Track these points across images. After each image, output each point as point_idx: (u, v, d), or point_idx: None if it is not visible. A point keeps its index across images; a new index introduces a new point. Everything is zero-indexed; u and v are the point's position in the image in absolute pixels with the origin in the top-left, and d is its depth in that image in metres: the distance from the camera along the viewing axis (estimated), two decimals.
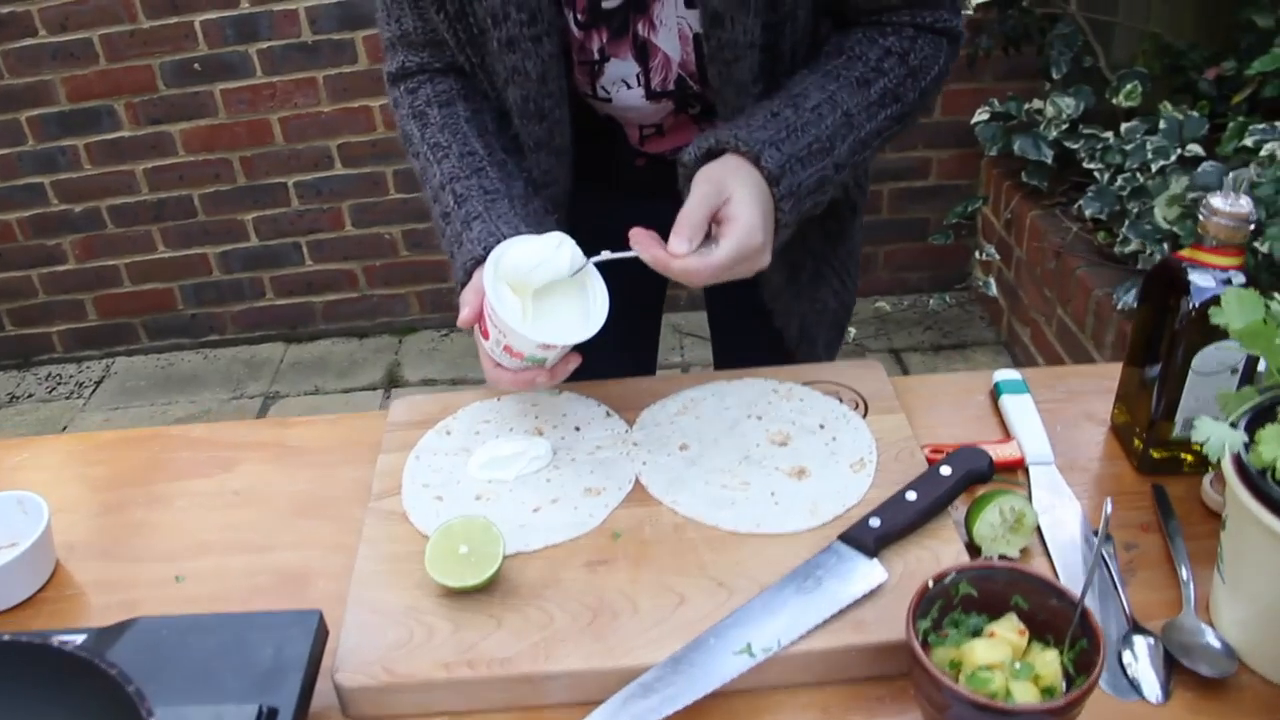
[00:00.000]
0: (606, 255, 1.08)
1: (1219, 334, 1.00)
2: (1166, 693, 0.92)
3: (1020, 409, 1.23)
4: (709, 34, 1.11)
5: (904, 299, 3.63)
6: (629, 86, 1.22)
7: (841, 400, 1.21)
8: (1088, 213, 2.75)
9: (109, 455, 1.32)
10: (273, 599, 1.07)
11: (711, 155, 1.10)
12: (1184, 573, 1.02)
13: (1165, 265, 1.09)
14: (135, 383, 3.61)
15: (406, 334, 3.68)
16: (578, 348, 1.10)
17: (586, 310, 1.10)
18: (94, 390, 3.58)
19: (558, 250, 1.07)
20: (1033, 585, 0.87)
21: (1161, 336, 1.09)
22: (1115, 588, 1.02)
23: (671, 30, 1.16)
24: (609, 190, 1.37)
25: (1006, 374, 1.29)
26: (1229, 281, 1.02)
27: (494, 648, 0.93)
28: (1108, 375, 1.31)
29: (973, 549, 1.04)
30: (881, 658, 0.92)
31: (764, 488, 1.08)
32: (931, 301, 3.61)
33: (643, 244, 1.03)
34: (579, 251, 1.08)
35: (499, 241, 1.10)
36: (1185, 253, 1.07)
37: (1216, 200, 1.01)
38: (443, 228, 1.22)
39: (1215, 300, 0.95)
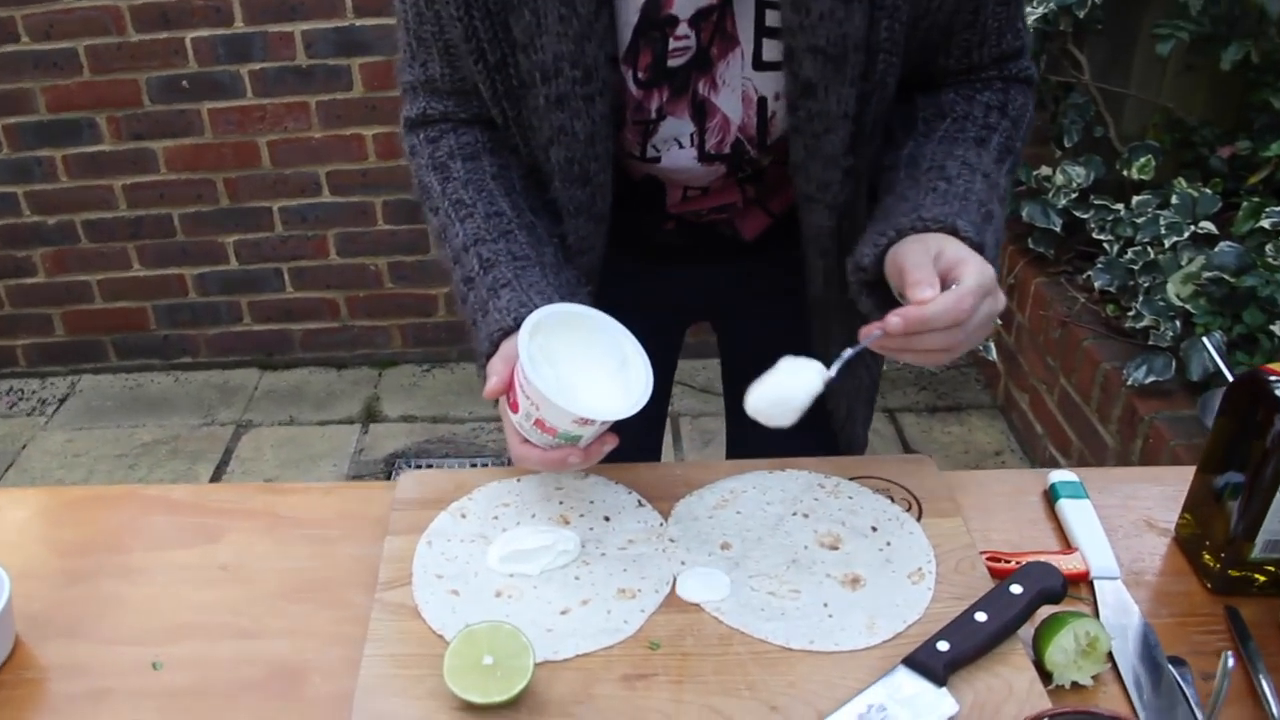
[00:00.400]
0: (846, 354, 1.00)
1: None
2: None
3: (1081, 516, 1.15)
4: (797, 104, 1.03)
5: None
6: (680, 146, 1.13)
7: (893, 500, 1.11)
8: (1097, 284, 2.71)
9: (79, 516, 1.20)
10: (262, 696, 0.95)
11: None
12: (1274, 709, 0.93)
13: (1253, 379, 1.01)
14: (101, 403, 3.46)
15: (387, 367, 3.57)
16: (615, 427, 1.01)
17: (627, 385, 1.01)
18: (57, 408, 3.43)
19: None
20: None
21: (1243, 450, 1.02)
22: None
23: (735, 91, 1.08)
24: (636, 257, 1.28)
25: (1062, 475, 1.20)
26: None
27: None
28: (1166, 480, 1.24)
29: (1041, 675, 0.94)
30: None
31: (815, 598, 0.99)
32: None
33: (884, 323, 0.95)
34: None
35: (530, 311, 1.01)
36: (1276, 365, 0.99)
37: None
38: (464, 292, 1.12)
39: None
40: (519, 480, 1.14)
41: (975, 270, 0.95)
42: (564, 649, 0.93)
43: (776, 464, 1.17)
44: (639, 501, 1.11)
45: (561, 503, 1.11)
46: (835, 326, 1.27)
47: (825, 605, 0.98)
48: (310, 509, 1.18)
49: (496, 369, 1.02)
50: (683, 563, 1.03)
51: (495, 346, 1.04)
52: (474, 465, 3.03)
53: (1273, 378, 1.00)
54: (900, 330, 0.94)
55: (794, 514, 1.09)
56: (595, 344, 1.03)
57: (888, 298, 1.04)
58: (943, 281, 0.96)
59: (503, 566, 1.01)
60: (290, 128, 3.22)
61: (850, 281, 1.08)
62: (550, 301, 1.04)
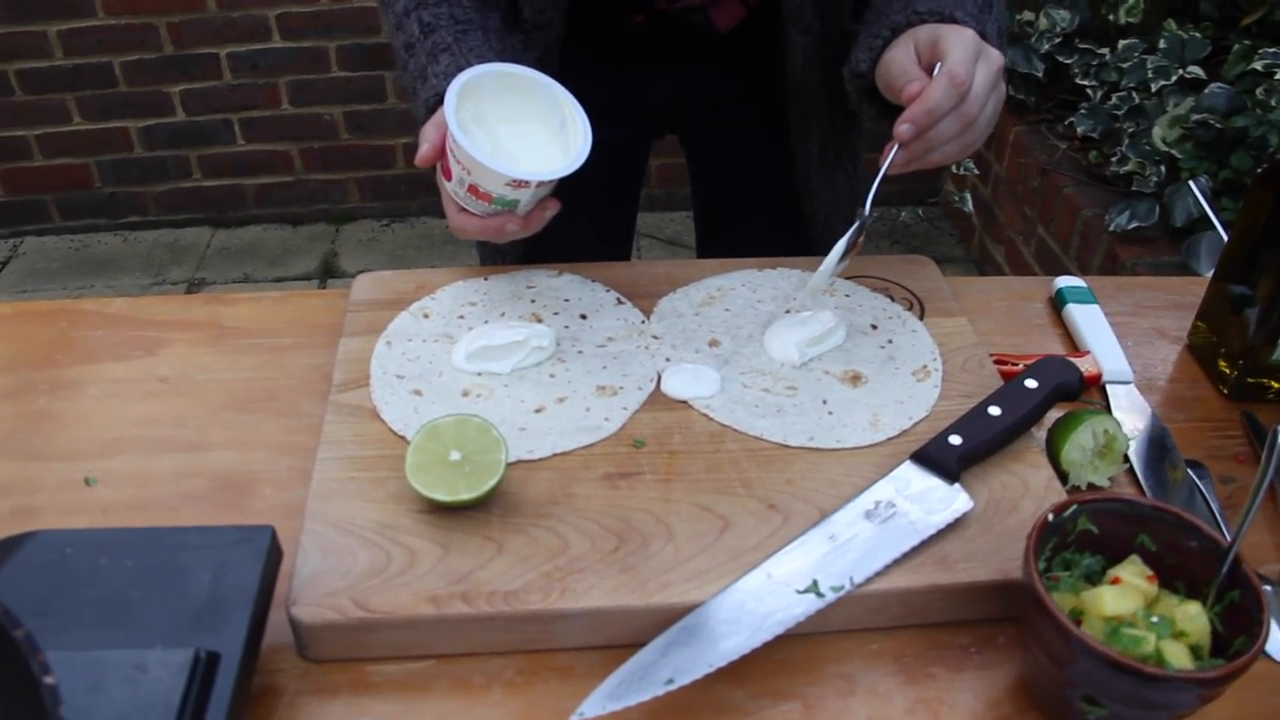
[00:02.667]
0: (873, 186, 0.95)
1: None
2: None
3: (1090, 320, 1.07)
4: None
5: (874, 210, 3.46)
6: None
7: (893, 299, 1.03)
8: (1080, 130, 2.65)
9: (8, 332, 1.09)
10: (207, 509, 0.87)
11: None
12: None
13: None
14: (46, 265, 3.31)
15: (344, 222, 3.42)
16: (558, 194, 0.95)
17: (566, 147, 0.94)
18: None
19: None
20: (1169, 523, 0.71)
21: (1266, 251, 0.95)
22: (1219, 527, 0.87)
23: None
24: (602, 59, 1.18)
25: (1070, 281, 1.12)
26: None
27: (494, 578, 0.74)
28: (1178, 289, 1.17)
29: (1056, 475, 0.87)
30: (968, 600, 0.76)
31: (814, 394, 0.91)
32: (903, 214, 3.45)
33: (895, 136, 0.91)
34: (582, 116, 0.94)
35: None
36: None
37: None
38: (405, 59, 1.04)
39: None
40: (486, 279, 1.04)
41: (956, 40, 0.90)
42: (539, 448, 0.85)
43: (766, 263, 1.07)
44: (618, 299, 1.02)
45: (534, 301, 1.01)
46: (813, 120, 1.17)
47: (825, 402, 0.90)
48: (258, 318, 1.08)
49: (429, 135, 0.95)
50: (667, 359, 0.94)
51: (431, 113, 0.97)
52: None
53: None
54: (912, 135, 0.90)
55: (787, 312, 1.00)
56: (532, 105, 0.96)
57: (890, 103, 0.98)
58: (929, 69, 0.92)
59: (470, 365, 0.92)
60: None
61: (849, 91, 1.03)
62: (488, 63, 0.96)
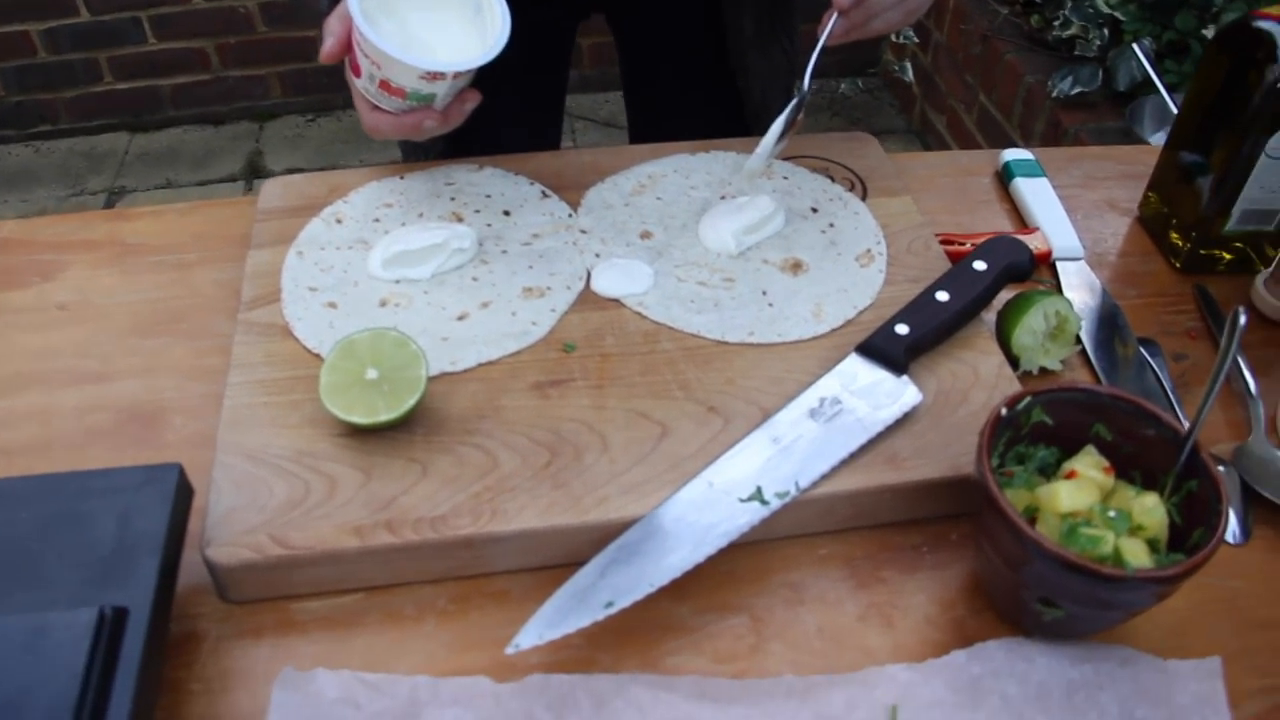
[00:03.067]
0: (812, 58, 0.89)
1: None
2: (1246, 531, 0.75)
3: (1039, 195, 1.03)
4: None
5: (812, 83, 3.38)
6: None
7: (833, 180, 0.98)
8: None
9: None
10: (113, 446, 0.81)
11: None
12: (1251, 386, 0.85)
13: (1241, 28, 0.90)
14: None
15: (268, 120, 3.28)
16: (477, 83, 0.89)
17: (483, 32, 0.87)
18: None
19: None
20: (1126, 412, 0.68)
21: (1221, 117, 0.91)
22: (1172, 406, 0.84)
23: None
24: None
25: (1017, 154, 1.08)
26: None
27: (420, 503, 0.70)
28: (1128, 159, 1.13)
29: (1007, 360, 0.84)
30: (919, 499, 0.73)
31: (753, 285, 0.86)
32: (842, 86, 3.37)
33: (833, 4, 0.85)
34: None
35: None
36: (1272, 9, 0.87)
37: None
38: None
39: None
40: (402, 178, 0.97)
41: None
42: (463, 358, 0.79)
43: (700, 146, 1.01)
44: (543, 192, 0.95)
45: (453, 199, 0.94)
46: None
47: (764, 294, 0.85)
48: (163, 233, 1.01)
49: (332, 29, 0.86)
50: (597, 255, 0.89)
51: (335, 3, 0.88)
52: None
53: (1263, 22, 0.87)
54: (852, 2, 0.83)
55: (722, 197, 0.94)
56: None
57: None
58: None
59: (387, 272, 0.86)
60: None
61: None
62: None
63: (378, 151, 3.06)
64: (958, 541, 0.73)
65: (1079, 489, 0.65)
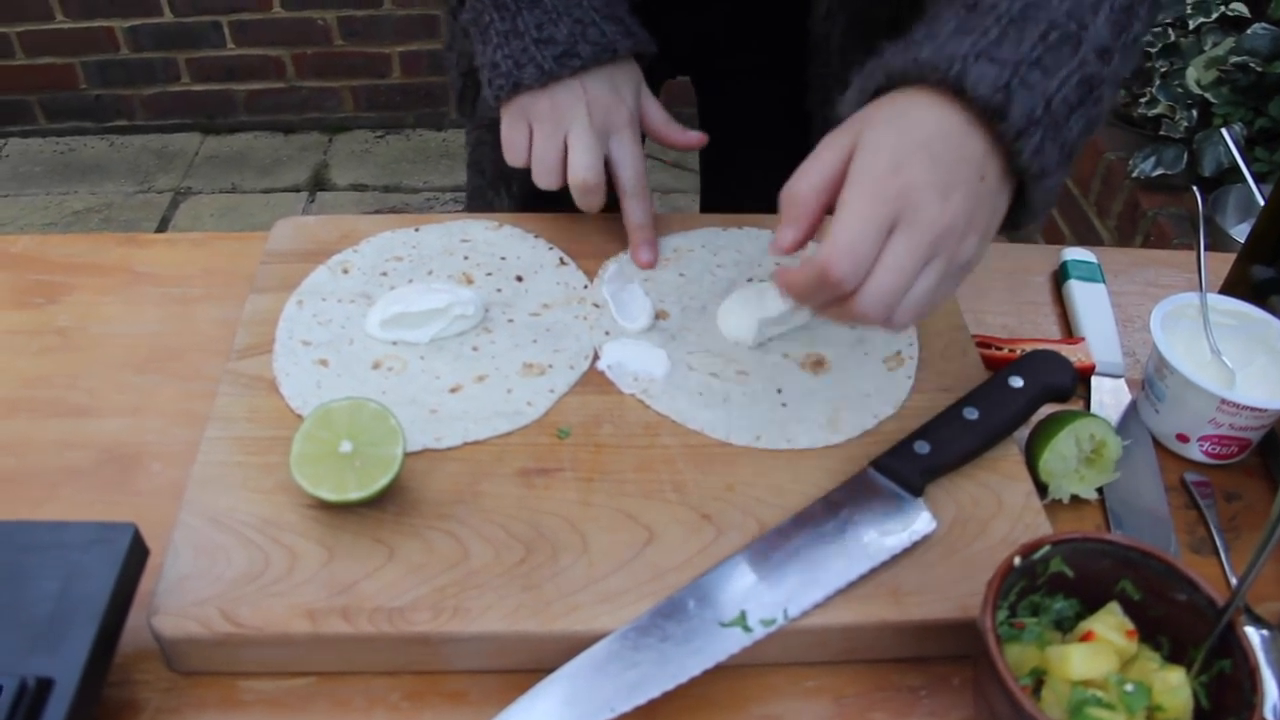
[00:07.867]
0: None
1: None
2: None
3: (1091, 302, 0.96)
4: None
5: None
6: None
7: None
8: None
9: None
10: (85, 487, 0.78)
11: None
12: None
13: None
14: (30, 168, 3.20)
15: (337, 132, 3.29)
16: None
17: None
18: None
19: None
20: (1157, 571, 0.61)
21: None
22: (1218, 555, 0.77)
23: None
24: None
25: (1077, 254, 1.01)
26: None
27: (380, 591, 0.65)
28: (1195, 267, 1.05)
29: (1036, 485, 0.77)
30: (922, 638, 0.66)
31: (767, 381, 0.80)
32: None
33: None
34: None
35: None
36: None
37: None
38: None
39: None
40: (417, 230, 0.93)
41: (866, 174, 0.63)
42: (449, 435, 0.75)
43: (732, 220, 0.96)
44: (560, 259, 0.91)
45: (466, 258, 0.90)
46: (833, 86, 1.03)
47: (779, 392, 0.79)
48: (173, 264, 0.98)
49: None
50: (607, 333, 0.84)
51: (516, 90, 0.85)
52: None
53: None
54: (794, 303, 0.67)
55: (748, 280, 0.89)
56: None
57: None
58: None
59: (384, 333, 0.81)
60: None
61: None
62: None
63: (444, 174, 3.06)
64: (960, 686, 0.67)
65: (1094, 655, 0.58)
